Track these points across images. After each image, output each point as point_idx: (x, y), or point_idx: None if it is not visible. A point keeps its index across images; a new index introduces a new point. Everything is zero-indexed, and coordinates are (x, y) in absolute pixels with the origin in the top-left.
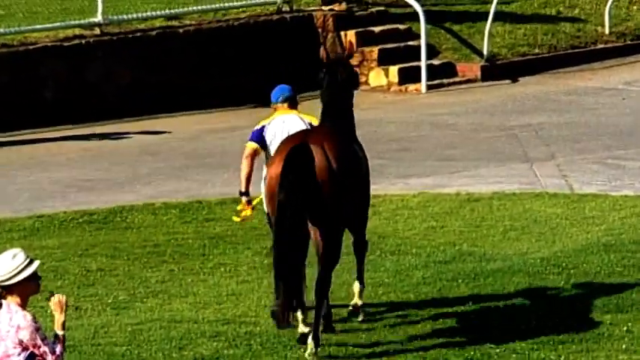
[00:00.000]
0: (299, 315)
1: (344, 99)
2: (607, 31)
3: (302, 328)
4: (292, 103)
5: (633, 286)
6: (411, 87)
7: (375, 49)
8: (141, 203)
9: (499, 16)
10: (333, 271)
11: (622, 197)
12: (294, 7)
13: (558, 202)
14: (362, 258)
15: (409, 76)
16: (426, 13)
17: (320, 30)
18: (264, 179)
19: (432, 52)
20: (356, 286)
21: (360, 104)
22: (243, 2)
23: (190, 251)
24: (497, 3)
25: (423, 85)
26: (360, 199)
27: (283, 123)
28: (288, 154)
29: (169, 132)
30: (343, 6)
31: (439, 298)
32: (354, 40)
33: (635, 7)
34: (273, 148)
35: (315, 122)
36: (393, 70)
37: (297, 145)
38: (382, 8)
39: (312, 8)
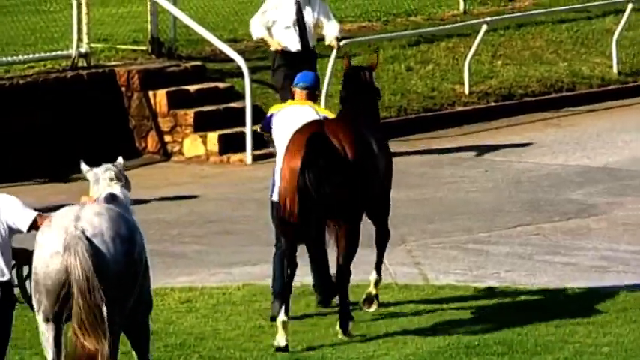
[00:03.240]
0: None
1: (365, 98)
2: (466, 91)
3: (279, 340)
4: (310, 94)
5: None
6: (234, 157)
7: (191, 112)
8: None
9: (339, 74)
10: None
11: (485, 289)
12: (93, 62)
13: (410, 295)
14: (382, 248)
15: (232, 145)
16: (252, 69)
17: (124, 89)
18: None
19: (259, 115)
20: (373, 275)
21: (173, 179)
22: (31, 56)
23: None
24: (336, 58)
25: (248, 155)
26: (380, 189)
27: (293, 114)
28: (308, 145)
29: None
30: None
31: None
32: (164, 101)
33: (499, 62)
34: (277, 138)
35: (331, 116)
36: (213, 137)
37: (314, 134)
38: (199, 63)
39: (114, 63)
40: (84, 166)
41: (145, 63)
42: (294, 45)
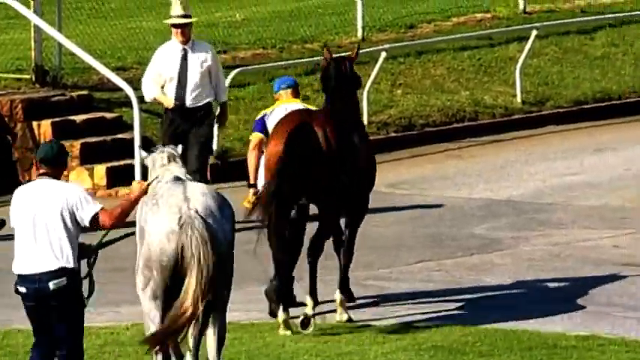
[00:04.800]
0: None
1: (348, 90)
2: (365, 121)
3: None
4: (294, 91)
5: None
6: (123, 191)
7: (77, 144)
8: None
9: (232, 104)
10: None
11: (386, 327)
12: None
13: (307, 334)
14: (347, 262)
15: (120, 178)
16: (141, 99)
17: (7, 119)
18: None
19: (149, 146)
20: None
21: None
22: None
23: None
24: (231, 86)
25: None
26: (359, 184)
27: (286, 111)
28: (291, 133)
29: None
30: None
31: None
32: (49, 132)
33: (399, 91)
34: None
35: None
36: (100, 169)
37: (299, 124)
38: (85, 92)
39: None
40: (142, 153)
41: (28, 92)
42: (176, 99)
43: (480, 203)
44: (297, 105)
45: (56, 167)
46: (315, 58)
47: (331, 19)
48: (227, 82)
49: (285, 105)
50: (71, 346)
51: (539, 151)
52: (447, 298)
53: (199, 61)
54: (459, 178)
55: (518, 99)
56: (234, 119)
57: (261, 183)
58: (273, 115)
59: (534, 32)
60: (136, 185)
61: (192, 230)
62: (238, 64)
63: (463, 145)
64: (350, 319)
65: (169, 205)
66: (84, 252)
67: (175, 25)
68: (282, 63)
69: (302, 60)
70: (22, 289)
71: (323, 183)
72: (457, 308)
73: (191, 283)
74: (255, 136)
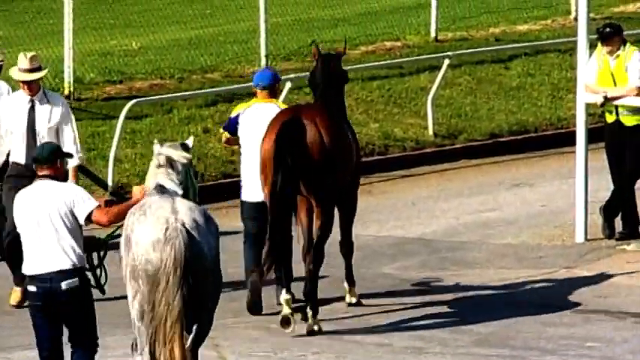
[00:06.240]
0: (284, 295)
1: (336, 86)
2: None
3: (286, 310)
4: (271, 92)
5: None
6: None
7: None
8: None
9: (128, 137)
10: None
11: None
12: None
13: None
14: (349, 257)
15: None
16: None
17: None
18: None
19: None
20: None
21: None
22: None
23: None
24: (127, 118)
25: None
26: (349, 179)
27: (258, 113)
28: (281, 127)
29: None
30: None
31: None
32: None
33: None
34: (243, 137)
35: None
36: None
37: (289, 118)
38: None
39: None
40: (156, 146)
41: None
42: (20, 156)
43: (390, 241)
44: (271, 105)
45: (52, 167)
46: (215, 89)
47: (233, 47)
48: (123, 113)
49: (257, 105)
50: (87, 345)
51: (452, 187)
52: (357, 339)
53: (47, 114)
54: (367, 215)
55: (430, 131)
56: (130, 153)
57: (244, 196)
58: (245, 115)
59: (447, 61)
60: (137, 189)
61: (173, 245)
62: (134, 95)
63: (373, 181)
64: (359, 302)
65: (157, 216)
66: (93, 245)
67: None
68: (181, 94)
69: (202, 91)
70: (32, 288)
71: (319, 175)
72: (369, 351)
73: (166, 294)
74: (223, 134)
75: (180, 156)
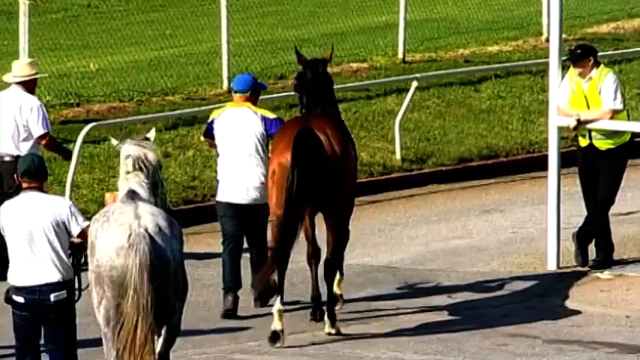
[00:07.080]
0: (278, 306)
1: (326, 91)
2: None
3: (276, 324)
4: (247, 97)
5: None
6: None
7: None
8: None
9: (86, 162)
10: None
11: None
12: None
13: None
14: (342, 248)
15: None
16: None
17: None
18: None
19: None
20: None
21: None
22: None
23: None
24: (85, 142)
25: None
26: (350, 183)
27: (231, 116)
28: (297, 139)
29: None
30: None
31: None
32: None
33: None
34: (218, 141)
35: (269, 115)
36: None
37: (302, 129)
38: None
39: None
40: (113, 141)
41: None
42: None
43: (357, 269)
44: (244, 109)
45: (39, 180)
46: (176, 112)
47: (194, 69)
48: (80, 137)
49: (231, 109)
50: (67, 355)
51: (420, 213)
52: None
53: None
54: None
55: (398, 156)
56: (88, 179)
57: (220, 196)
58: (220, 119)
59: (415, 83)
60: (109, 196)
61: (137, 250)
62: (92, 119)
63: None
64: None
65: (120, 222)
66: (75, 249)
67: None
68: (141, 117)
69: (162, 114)
70: (20, 299)
71: (334, 185)
72: None
73: (133, 300)
74: (203, 140)
75: (153, 158)
